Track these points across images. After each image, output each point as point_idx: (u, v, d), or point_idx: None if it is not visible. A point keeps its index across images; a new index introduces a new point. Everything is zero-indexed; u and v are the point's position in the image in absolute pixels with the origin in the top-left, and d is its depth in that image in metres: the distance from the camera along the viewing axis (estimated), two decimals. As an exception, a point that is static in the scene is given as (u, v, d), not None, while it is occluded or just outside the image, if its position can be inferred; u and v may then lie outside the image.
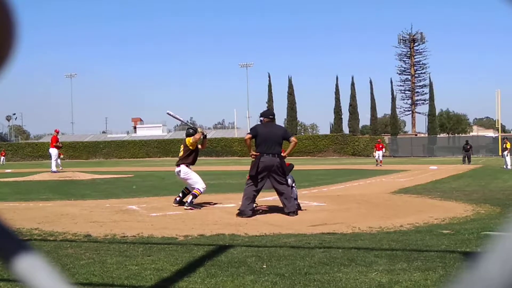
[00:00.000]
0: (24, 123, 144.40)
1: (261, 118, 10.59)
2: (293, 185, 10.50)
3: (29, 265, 0.52)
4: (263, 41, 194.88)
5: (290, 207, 9.76)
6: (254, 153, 10.02)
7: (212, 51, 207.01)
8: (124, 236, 7.58)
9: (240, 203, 9.92)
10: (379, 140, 42.99)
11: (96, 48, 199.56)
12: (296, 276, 4.95)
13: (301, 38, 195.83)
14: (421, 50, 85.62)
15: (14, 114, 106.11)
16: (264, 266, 5.37)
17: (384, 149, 37.71)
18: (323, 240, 6.94)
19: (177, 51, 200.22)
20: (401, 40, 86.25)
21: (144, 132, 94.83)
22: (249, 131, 10.32)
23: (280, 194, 9.98)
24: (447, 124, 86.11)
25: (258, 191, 10.04)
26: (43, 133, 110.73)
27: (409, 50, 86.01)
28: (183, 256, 6.01)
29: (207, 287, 4.67)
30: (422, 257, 5.64)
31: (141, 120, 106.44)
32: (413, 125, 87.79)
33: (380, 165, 34.28)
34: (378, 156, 36.24)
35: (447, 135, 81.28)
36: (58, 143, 25.23)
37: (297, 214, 9.76)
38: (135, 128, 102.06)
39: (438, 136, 78.61)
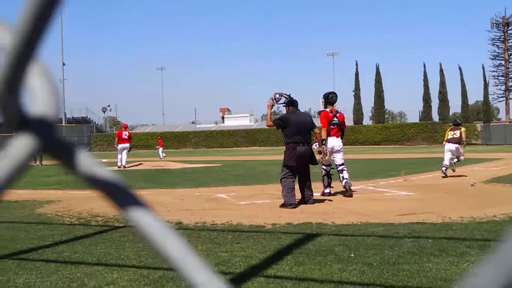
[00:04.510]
0: (118, 114, 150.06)
1: (285, 107, 10.35)
2: (344, 166, 11.02)
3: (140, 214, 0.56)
4: (350, 30, 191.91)
5: (310, 197, 9.92)
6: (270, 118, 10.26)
7: (299, 41, 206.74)
8: (214, 224, 7.79)
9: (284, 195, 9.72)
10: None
11: (185, 43, 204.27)
12: (385, 266, 4.93)
13: (388, 27, 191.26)
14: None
15: (109, 105, 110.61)
16: (352, 255, 5.38)
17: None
18: (412, 230, 6.83)
19: (264, 43, 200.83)
20: (494, 24, 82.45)
21: (232, 122, 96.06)
22: (277, 119, 10.17)
23: (304, 183, 9.94)
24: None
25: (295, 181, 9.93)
26: (136, 123, 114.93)
27: (502, 34, 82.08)
28: (271, 244, 6.12)
29: (295, 275, 4.74)
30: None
31: (229, 110, 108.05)
32: (507, 112, 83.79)
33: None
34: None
35: (545, 121, 77.00)
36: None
37: (313, 203, 9.85)
38: (223, 118, 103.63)
39: (535, 122, 74.71)
